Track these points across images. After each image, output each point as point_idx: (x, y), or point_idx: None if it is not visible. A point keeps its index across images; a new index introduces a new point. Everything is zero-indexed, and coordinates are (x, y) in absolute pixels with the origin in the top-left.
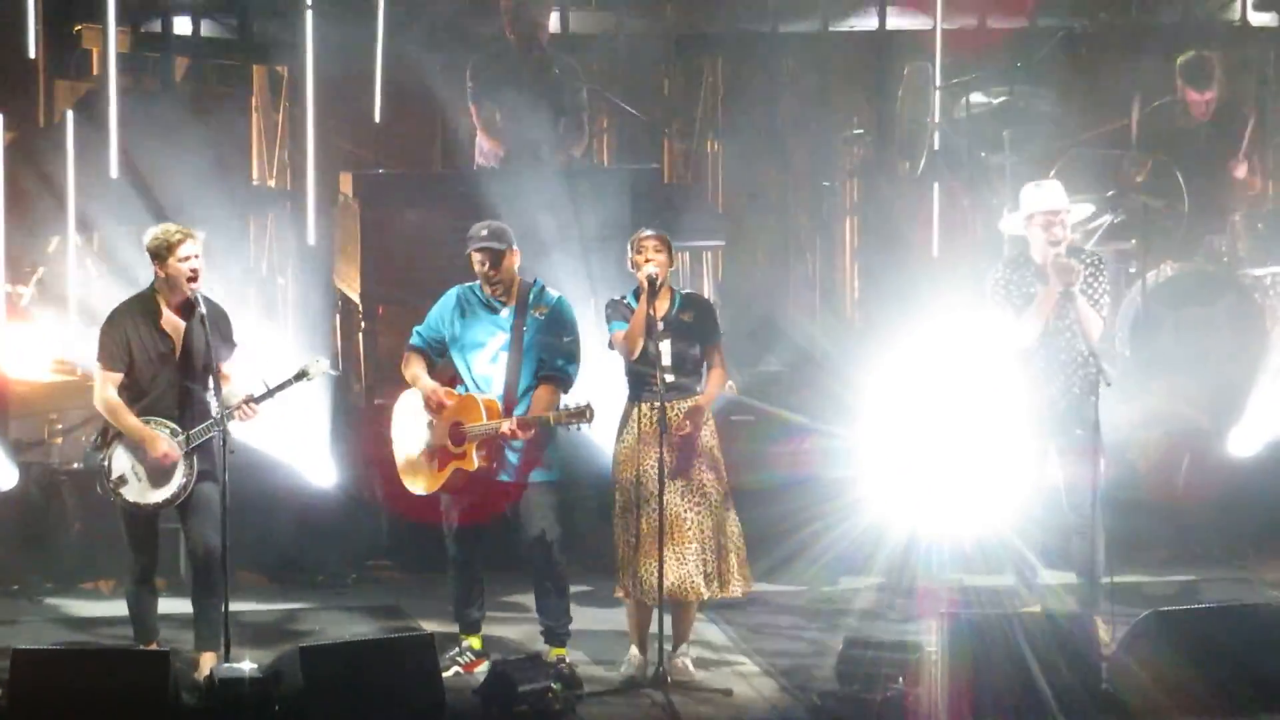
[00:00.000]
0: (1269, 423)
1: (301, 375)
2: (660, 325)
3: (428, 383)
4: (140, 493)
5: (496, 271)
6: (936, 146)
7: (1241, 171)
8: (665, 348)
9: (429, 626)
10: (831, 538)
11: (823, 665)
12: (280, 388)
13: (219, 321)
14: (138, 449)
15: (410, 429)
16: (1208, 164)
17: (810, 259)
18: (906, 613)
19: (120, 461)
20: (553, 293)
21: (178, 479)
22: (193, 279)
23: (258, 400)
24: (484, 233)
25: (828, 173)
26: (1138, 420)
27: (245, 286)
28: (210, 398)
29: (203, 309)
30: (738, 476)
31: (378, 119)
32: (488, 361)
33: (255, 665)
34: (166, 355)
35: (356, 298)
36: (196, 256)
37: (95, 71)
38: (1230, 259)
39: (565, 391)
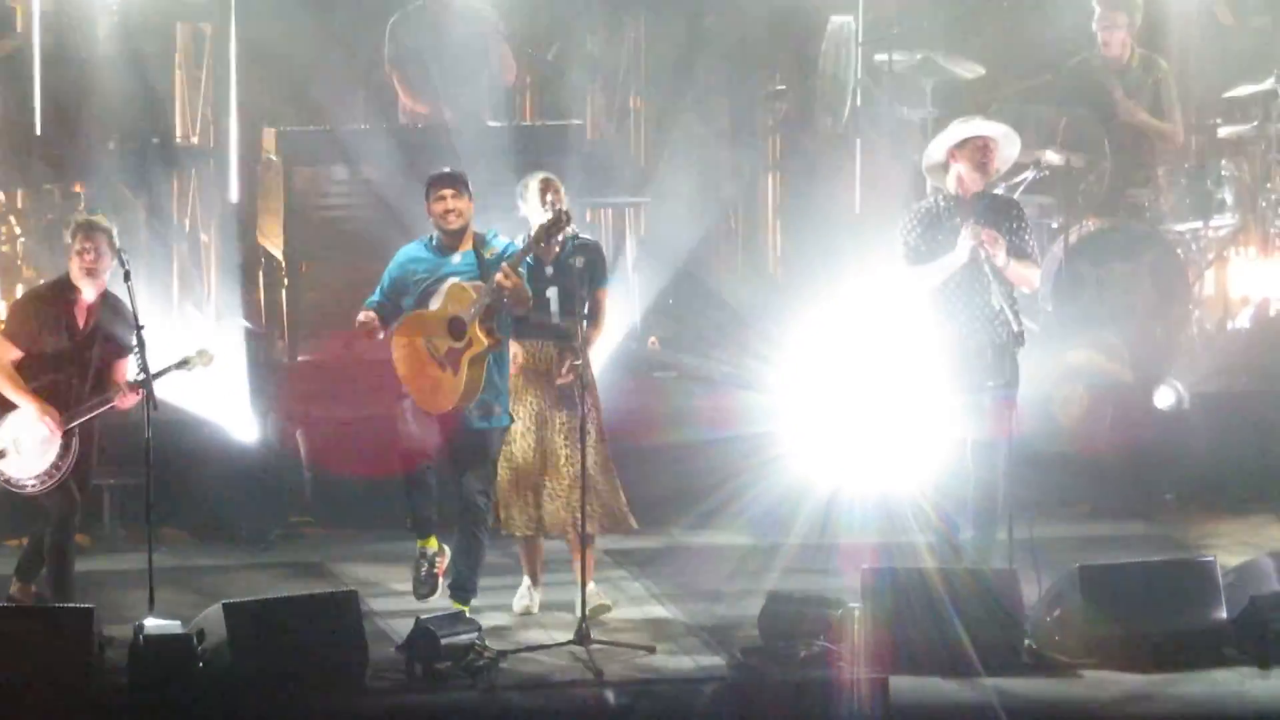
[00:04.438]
0: (1192, 378)
1: (183, 364)
2: (550, 270)
3: (366, 315)
4: (17, 468)
5: (461, 215)
6: (858, 102)
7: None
8: (554, 294)
9: (352, 583)
10: (754, 493)
11: (745, 621)
12: (160, 374)
13: (120, 317)
14: (25, 424)
15: (413, 359)
16: (1128, 119)
17: (733, 215)
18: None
19: (4, 435)
20: (503, 239)
21: (51, 457)
22: (89, 271)
23: (137, 385)
24: (449, 169)
25: (750, 129)
26: (1061, 375)
27: (168, 244)
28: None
29: (113, 299)
30: (660, 433)
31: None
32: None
33: (178, 622)
34: (70, 340)
35: (280, 254)
36: (92, 250)
37: (19, 29)
38: (1153, 215)
39: None
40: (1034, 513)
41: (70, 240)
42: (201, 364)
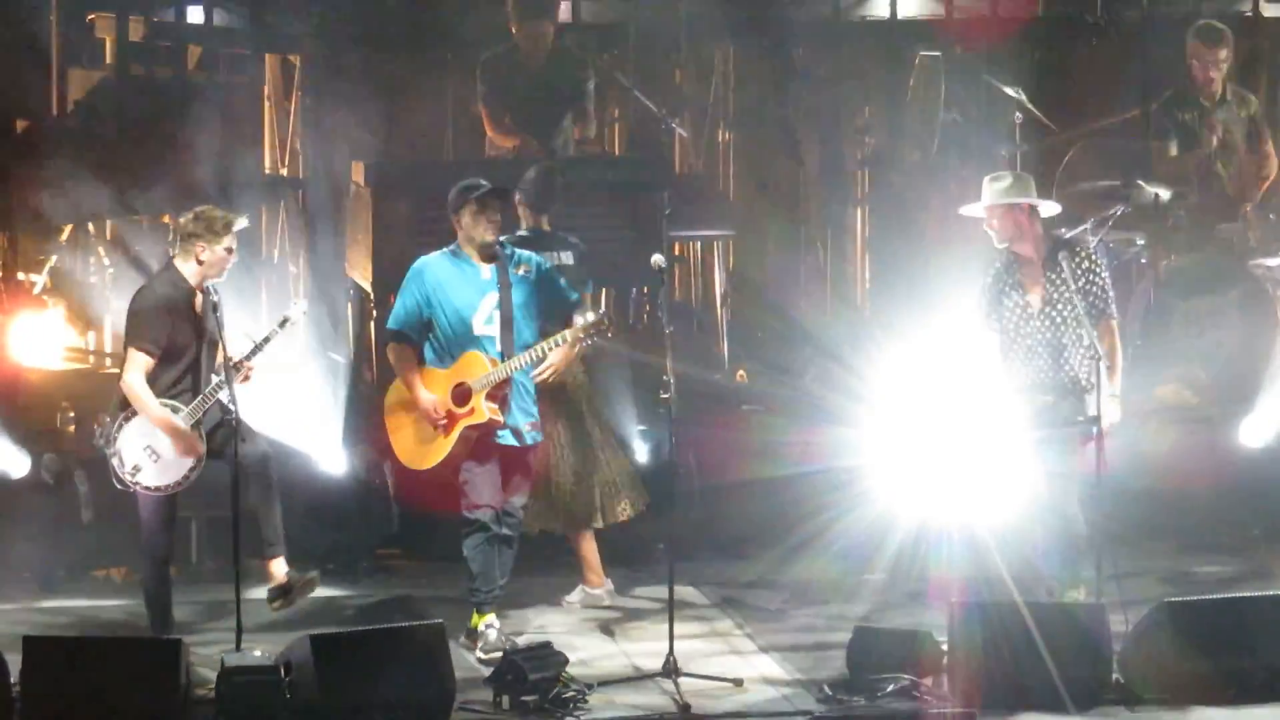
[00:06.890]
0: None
1: (284, 322)
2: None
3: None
4: (158, 475)
5: (500, 226)
6: (946, 137)
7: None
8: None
9: (439, 615)
10: (842, 527)
11: (833, 654)
12: (266, 340)
13: (216, 314)
14: (150, 433)
15: (407, 411)
16: (1219, 154)
17: (821, 249)
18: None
19: (132, 450)
20: (524, 252)
21: (185, 468)
22: (223, 269)
23: (248, 358)
24: (492, 184)
25: (838, 162)
26: (1148, 410)
27: (257, 275)
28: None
29: (214, 296)
30: (748, 467)
31: None
32: (484, 323)
33: (266, 653)
34: (196, 339)
35: (368, 286)
36: (234, 247)
37: (108, 60)
38: (1241, 249)
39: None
40: (1121, 547)
41: (218, 232)
42: (298, 315)
